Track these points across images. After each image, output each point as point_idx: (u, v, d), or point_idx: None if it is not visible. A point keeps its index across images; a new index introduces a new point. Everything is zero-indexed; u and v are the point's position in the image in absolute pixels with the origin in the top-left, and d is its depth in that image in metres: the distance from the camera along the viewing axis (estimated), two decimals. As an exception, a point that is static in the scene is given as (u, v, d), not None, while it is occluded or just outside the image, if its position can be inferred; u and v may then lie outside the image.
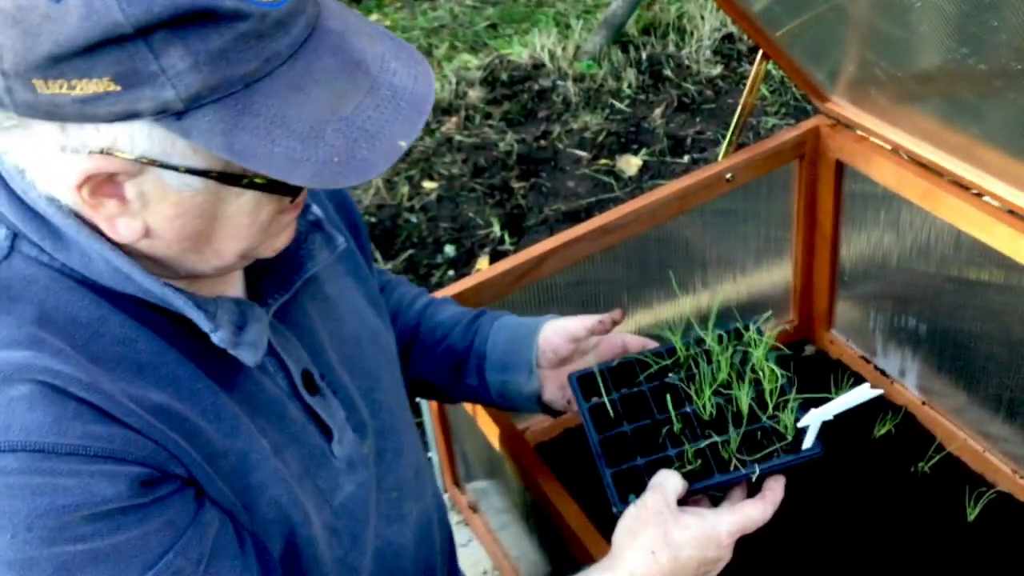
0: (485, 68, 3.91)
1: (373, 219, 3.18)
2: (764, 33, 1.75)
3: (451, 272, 2.97)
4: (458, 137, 3.53)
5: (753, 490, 1.10)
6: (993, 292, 1.72)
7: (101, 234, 0.81)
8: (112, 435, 0.77)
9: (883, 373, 2.01)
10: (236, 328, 0.87)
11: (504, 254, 2.94)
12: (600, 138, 3.47)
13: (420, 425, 1.90)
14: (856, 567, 1.71)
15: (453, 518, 1.99)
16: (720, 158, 1.91)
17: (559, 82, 3.79)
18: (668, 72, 3.80)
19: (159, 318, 0.85)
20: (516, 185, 3.29)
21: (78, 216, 0.80)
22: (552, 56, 3.91)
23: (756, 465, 1.09)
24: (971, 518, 1.75)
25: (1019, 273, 1.63)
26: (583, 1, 4.41)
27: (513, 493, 1.65)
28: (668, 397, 1.17)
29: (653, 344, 1.26)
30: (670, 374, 1.21)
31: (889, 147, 1.76)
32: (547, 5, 4.40)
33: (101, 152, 0.74)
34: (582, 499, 1.37)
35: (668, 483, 1.07)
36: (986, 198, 1.61)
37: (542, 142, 3.49)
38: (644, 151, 3.40)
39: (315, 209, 0.99)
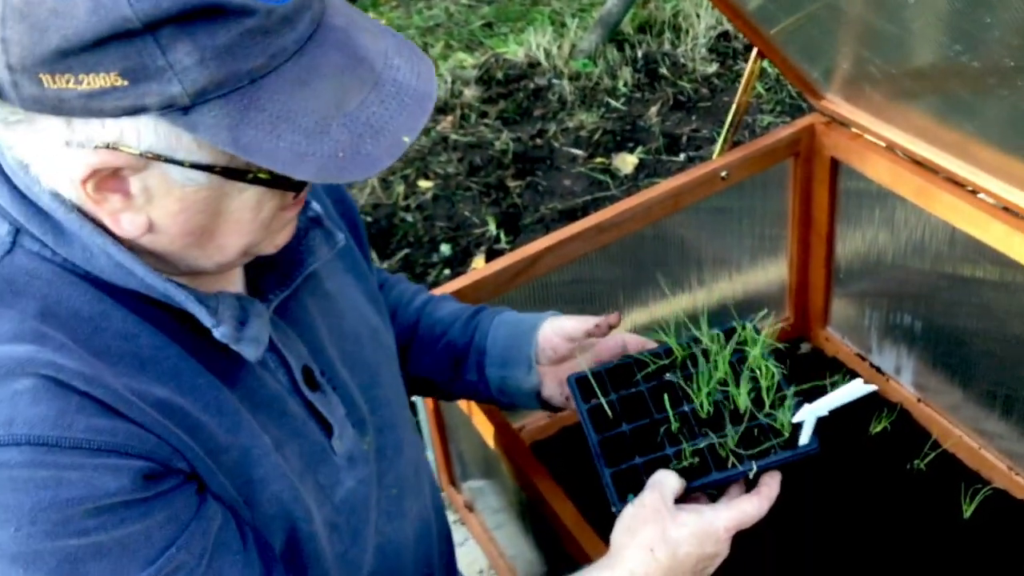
0: (481, 67, 3.91)
1: (369, 218, 3.18)
2: (759, 31, 1.75)
3: (447, 271, 2.97)
4: (454, 136, 3.53)
5: (751, 487, 1.10)
6: (988, 289, 1.72)
7: (104, 229, 0.81)
8: (115, 429, 0.77)
9: (879, 370, 2.01)
10: (238, 323, 0.87)
11: (500, 253, 2.94)
12: (596, 136, 3.47)
13: (416, 424, 1.90)
14: (852, 564, 1.72)
15: (449, 517, 1.99)
16: (715, 156, 1.91)
17: (555, 81, 3.79)
18: (664, 70, 3.80)
19: (161, 313, 0.85)
20: (512, 184, 3.29)
21: (81, 211, 0.81)
22: (548, 55, 3.91)
23: (753, 462, 1.10)
24: (967, 515, 1.75)
25: (1014, 270, 1.63)
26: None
27: (509, 492, 1.65)
28: (666, 397, 1.18)
29: (652, 344, 1.27)
30: (667, 374, 1.21)
31: (884, 144, 1.77)
32: (542, 4, 4.40)
33: (107, 147, 0.75)
34: (578, 498, 1.38)
35: (666, 482, 1.08)
36: (981, 195, 1.62)
37: (538, 141, 3.49)
38: (640, 149, 3.40)
39: (315, 206, 0.99)
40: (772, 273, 2.09)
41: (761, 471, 1.10)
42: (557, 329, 1.24)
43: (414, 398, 1.75)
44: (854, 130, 1.82)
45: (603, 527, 1.18)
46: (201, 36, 0.71)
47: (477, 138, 3.52)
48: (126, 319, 0.83)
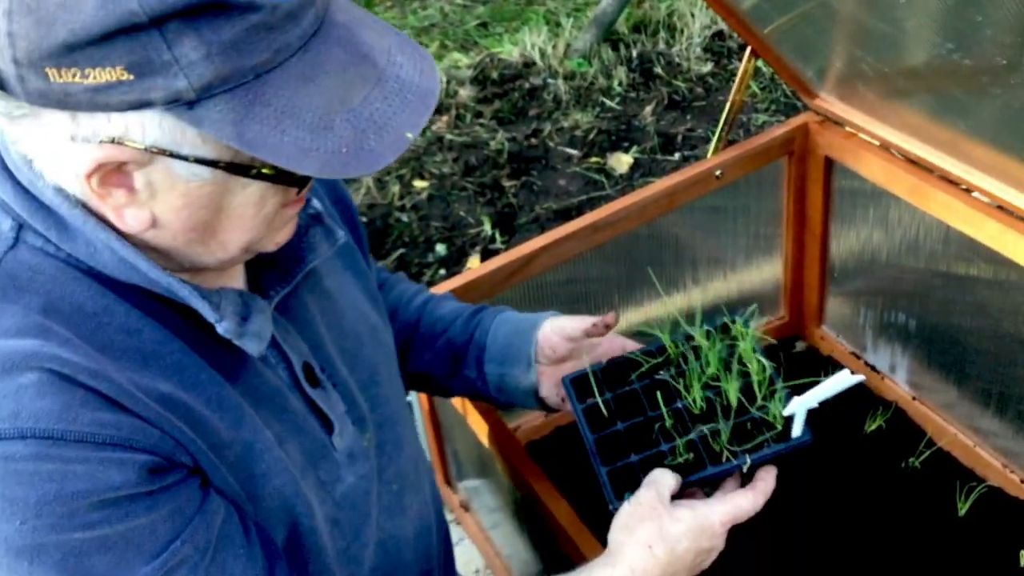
0: (475, 67, 3.91)
1: (364, 219, 3.18)
2: (752, 30, 1.75)
3: (442, 271, 2.97)
4: (449, 136, 3.53)
5: (747, 480, 1.11)
6: (982, 287, 1.72)
7: (107, 224, 0.81)
8: (120, 423, 0.77)
9: (874, 369, 2.02)
10: (240, 319, 0.88)
11: (495, 253, 2.94)
12: (591, 136, 3.47)
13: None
14: (847, 562, 1.72)
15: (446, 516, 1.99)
16: (710, 155, 1.91)
17: (550, 80, 3.79)
18: (658, 70, 3.80)
19: (164, 309, 0.86)
20: (507, 184, 3.29)
21: (85, 206, 0.81)
22: (542, 54, 3.91)
23: (747, 455, 1.11)
24: (962, 513, 1.75)
25: (1007, 268, 1.64)
26: (573, -1, 4.41)
27: (504, 492, 1.65)
28: (659, 394, 1.18)
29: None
30: (660, 371, 1.22)
31: (878, 143, 1.77)
32: (537, 3, 4.40)
33: (112, 141, 0.75)
34: (573, 498, 1.38)
35: (662, 480, 1.09)
36: (975, 194, 1.62)
37: (533, 140, 3.49)
38: (635, 149, 3.40)
39: (315, 203, 1.00)
40: (767, 272, 2.09)
41: (755, 464, 1.11)
42: (556, 328, 1.25)
43: (409, 398, 1.75)
44: (848, 129, 1.82)
45: (598, 527, 1.18)
46: (207, 31, 0.71)
47: (472, 138, 3.52)
48: (129, 314, 0.83)
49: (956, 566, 1.69)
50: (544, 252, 1.73)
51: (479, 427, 1.51)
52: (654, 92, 3.69)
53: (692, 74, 3.77)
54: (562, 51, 3.92)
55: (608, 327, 1.23)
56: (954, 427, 1.87)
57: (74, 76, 0.71)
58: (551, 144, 3.47)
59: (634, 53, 3.89)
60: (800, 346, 2.16)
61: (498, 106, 3.68)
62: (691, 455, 1.13)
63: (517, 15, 4.34)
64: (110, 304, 0.83)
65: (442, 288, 1.66)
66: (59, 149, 0.77)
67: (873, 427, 1.91)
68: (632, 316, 1.97)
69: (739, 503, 1.07)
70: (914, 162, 1.71)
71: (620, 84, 3.74)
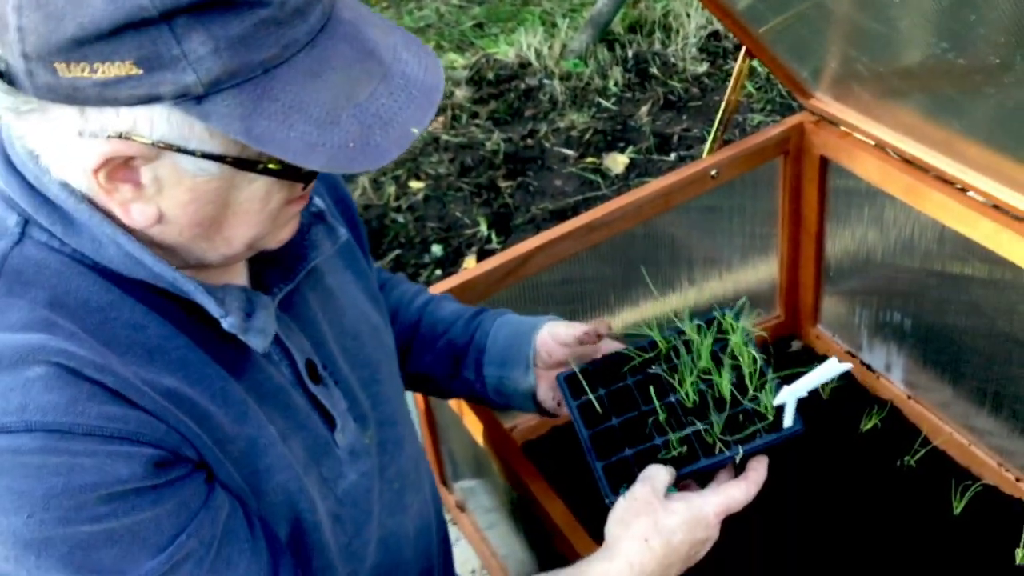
0: (471, 67, 3.91)
1: (360, 219, 3.18)
2: (747, 30, 1.75)
3: (438, 271, 2.97)
4: (445, 136, 3.53)
5: (741, 471, 1.13)
6: (977, 286, 1.73)
7: (113, 219, 0.82)
8: (127, 416, 0.78)
9: (869, 368, 2.02)
10: (245, 315, 0.88)
11: (491, 253, 2.94)
12: (587, 136, 3.47)
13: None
14: (843, 560, 1.72)
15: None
16: (705, 155, 1.91)
17: (545, 81, 3.79)
18: (654, 70, 3.80)
19: (169, 304, 0.86)
20: (503, 184, 3.29)
21: (91, 201, 0.81)
22: (538, 55, 3.91)
23: (739, 447, 1.12)
24: (957, 511, 1.76)
25: (1002, 267, 1.64)
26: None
27: (500, 492, 1.65)
28: (652, 389, 1.19)
29: None
30: (653, 366, 1.23)
31: (873, 143, 1.77)
32: (533, 4, 4.41)
33: (120, 136, 0.75)
34: (568, 497, 1.38)
35: (657, 475, 1.10)
36: (970, 193, 1.62)
37: (529, 141, 3.49)
38: (631, 149, 3.40)
39: (317, 201, 1.00)
40: (762, 271, 2.10)
41: (748, 455, 1.12)
42: (553, 333, 1.26)
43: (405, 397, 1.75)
44: (843, 128, 1.82)
45: (594, 526, 1.18)
46: (215, 26, 0.72)
47: (468, 138, 3.52)
48: (134, 309, 0.84)
49: (951, 565, 1.69)
50: (540, 252, 1.73)
51: (475, 427, 1.51)
52: (650, 92, 3.69)
53: (688, 74, 3.77)
54: (558, 52, 3.92)
55: (600, 336, 1.24)
56: (949, 426, 1.87)
57: (83, 71, 0.72)
58: (547, 144, 3.47)
59: (630, 53, 3.89)
60: (796, 345, 2.16)
61: (494, 107, 3.68)
62: (684, 448, 1.14)
63: (513, 16, 4.34)
64: (116, 299, 0.83)
65: (438, 288, 1.66)
66: (66, 144, 0.77)
67: (868, 426, 1.91)
68: (628, 316, 1.97)
69: (732, 494, 1.09)
70: (909, 161, 1.71)
71: (616, 84, 3.74)
